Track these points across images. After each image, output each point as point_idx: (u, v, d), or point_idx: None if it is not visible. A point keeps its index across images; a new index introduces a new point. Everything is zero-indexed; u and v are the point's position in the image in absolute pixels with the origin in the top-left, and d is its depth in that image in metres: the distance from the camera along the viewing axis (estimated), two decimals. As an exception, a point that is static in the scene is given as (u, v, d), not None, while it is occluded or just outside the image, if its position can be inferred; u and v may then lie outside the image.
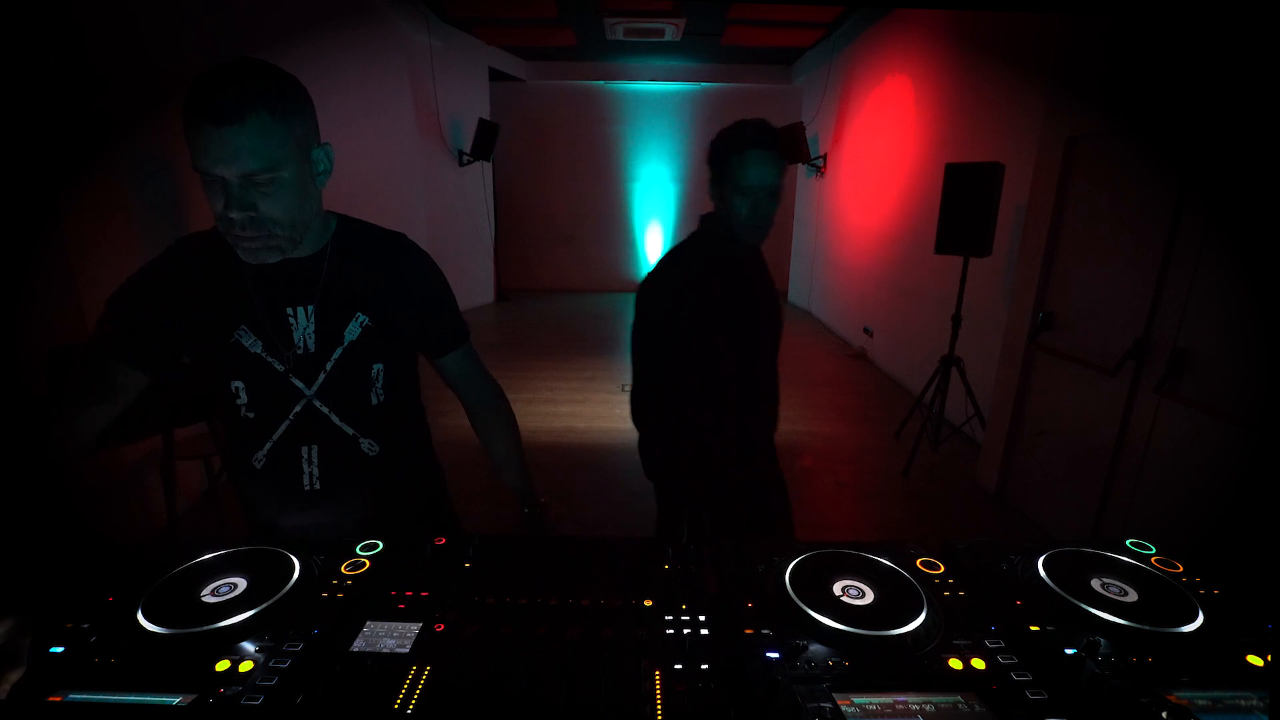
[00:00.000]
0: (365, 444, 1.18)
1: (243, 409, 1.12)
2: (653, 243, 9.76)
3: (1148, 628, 0.78)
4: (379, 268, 1.15)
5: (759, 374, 1.65)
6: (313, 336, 1.10)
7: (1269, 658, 0.75)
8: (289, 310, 1.09)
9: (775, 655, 0.75)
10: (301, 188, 1.01)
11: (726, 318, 1.56)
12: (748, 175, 1.45)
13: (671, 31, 6.93)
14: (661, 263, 1.60)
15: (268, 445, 1.13)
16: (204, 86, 0.91)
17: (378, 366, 1.15)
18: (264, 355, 1.09)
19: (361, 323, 1.12)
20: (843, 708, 0.67)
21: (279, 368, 1.09)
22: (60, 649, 0.75)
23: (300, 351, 1.10)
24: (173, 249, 1.10)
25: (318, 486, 1.16)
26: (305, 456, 1.14)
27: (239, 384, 1.10)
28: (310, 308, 1.09)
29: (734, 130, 1.49)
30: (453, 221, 7.63)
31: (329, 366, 1.11)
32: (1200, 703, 0.68)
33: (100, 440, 1.11)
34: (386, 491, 1.23)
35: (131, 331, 1.07)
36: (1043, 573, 0.89)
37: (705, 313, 1.54)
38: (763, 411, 1.69)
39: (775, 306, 1.68)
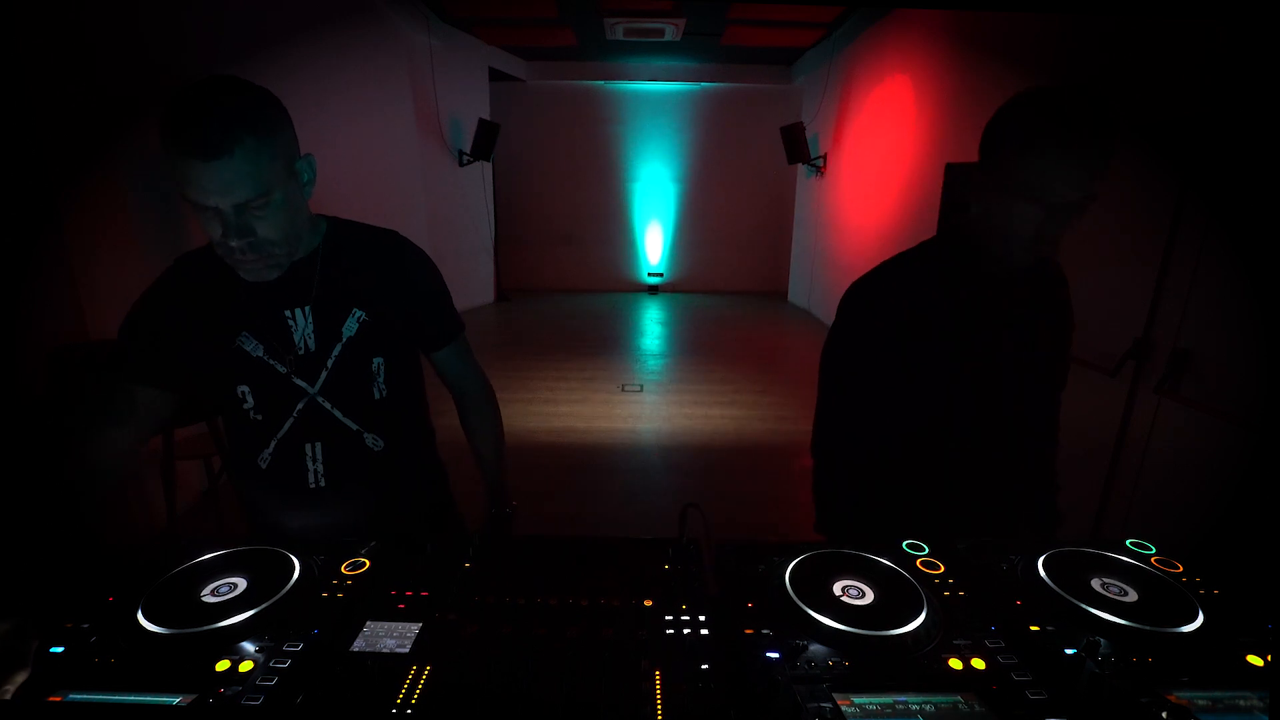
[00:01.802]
0: (370, 439, 1.18)
1: (250, 412, 1.12)
2: (653, 243, 9.77)
3: (1148, 628, 0.78)
4: (373, 264, 1.16)
5: (995, 435, 1.20)
6: (312, 336, 1.11)
7: (1269, 658, 0.75)
8: (287, 313, 1.10)
9: (775, 655, 0.75)
10: (292, 204, 1.02)
11: (949, 353, 1.15)
12: (1047, 178, 0.99)
13: (671, 31, 6.92)
14: (880, 266, 1.22)
15: (272, 444, 1.14)
16: (183, 117, 0.89)
17: (378, 361, 1.16)
18: (266, 358, 1.10)
19: (359, 318, 1.13)
20: (843, 708, 0.67)
21: (281, 369, 1.10)
22: (60, 649, 0.75)
23: (301, 352, 1.11)
24: (172, 269, 1.12)
25: (323, 484, 1.16)
26: (309, 454, 1.15)
27: (244, 388, 1.11)
28: (307, 308, 1.10)
29: (1036, 105, 1.01)
30: (452, 221, 7.62)
31: (330, 363, 1.12)
32: (1200, 703, 0.68)
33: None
34: (391, 488, 1.24)
35: (148, 354, 1.09)
36: (1043, 573, 0.89)
37: (916, 339, 1.15)
38: (996, 485, 1.24)
39: (1045, 353, 1.21)
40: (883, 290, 1.20)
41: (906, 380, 1.18)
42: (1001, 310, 1.16)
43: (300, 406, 1.12)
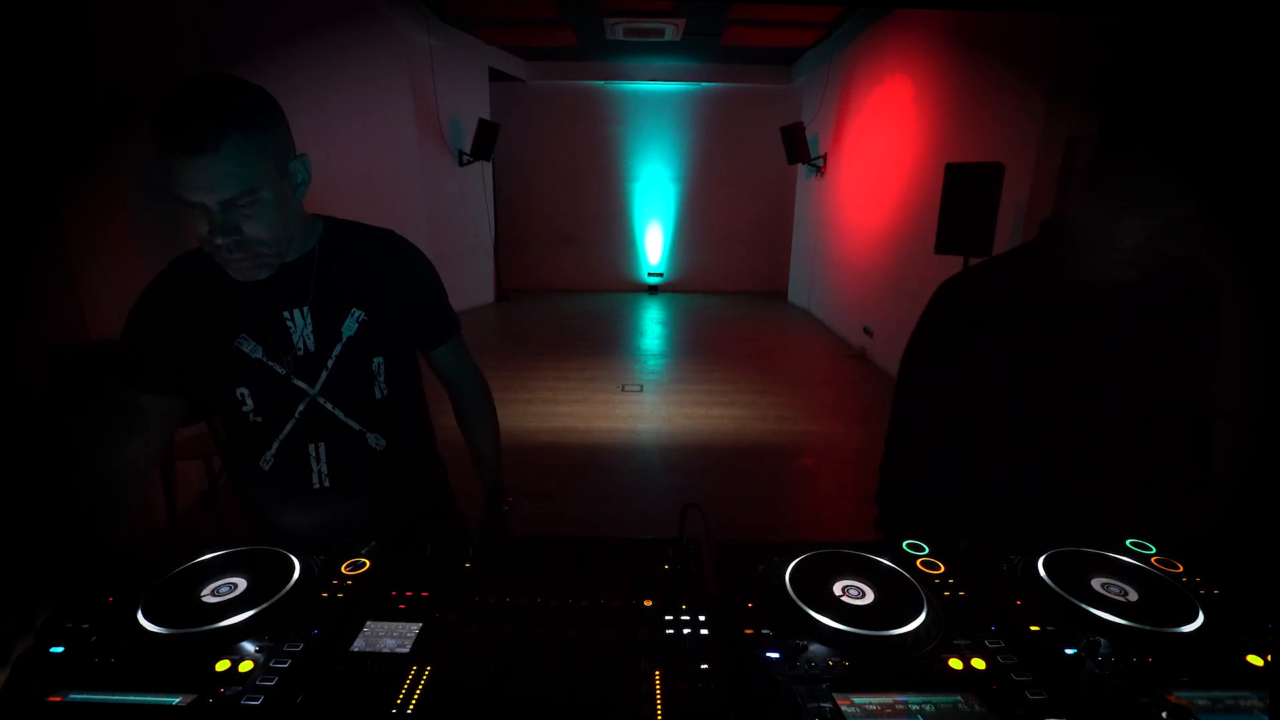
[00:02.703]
0: (372, 438, 1.18)
1: (250, 414, 1.12)
2: (653, 243, 9.76)
3: (1148, 628, 0.78)
4: (370, 263, 1.16)
5: (1080, 458, 1.13)
6: (311, 337, 1.11)
7: (1269, 658, 0.75)
8: (285, 314, 1.09)
9: (775, 655, 0.75)
10: (282, 203, 1.01)
11: (1036, 361, 1.10)
12: (1160, 185, 0.93)
13: (671, 31, 6.92)
14: (974, 267, 1.21)
15: (275, 445, 1.14)
16: (173, 113, 0.89)
17: (378, 360, 1.16)
18: (265, 360, 1.09)
19: (358, 318, 1.13)
20: (843, 708, 0.67)
21: (280, 371, 1.10)
22: (60, 649, 0.75)
23: (300, 353, 1.11)
24: (166, 273, 1.12)
25: (327, 484, 1.16)
26: (313, 454, 1.15)
27: (244, 390, 1.11)
28: (305, 309, 1.10)
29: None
30: (453, 221, 7.62)
31: (330, 364, 1.12)
32: (1200, 703, 0.68)
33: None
34: (394, 486, 1.24)
35: (151, 361, 1.09)
36: (1043, 573, 0.89)
37: (1004, 345, 1.11)
38: (1086, 498, 1.16)
39: (1145, 367, 1.11)
40: (975, 292, 1.18)
41: (990, 385, 1.14)
42: (1100, 323, 1.08)
43: (301, 408, 1.12)
